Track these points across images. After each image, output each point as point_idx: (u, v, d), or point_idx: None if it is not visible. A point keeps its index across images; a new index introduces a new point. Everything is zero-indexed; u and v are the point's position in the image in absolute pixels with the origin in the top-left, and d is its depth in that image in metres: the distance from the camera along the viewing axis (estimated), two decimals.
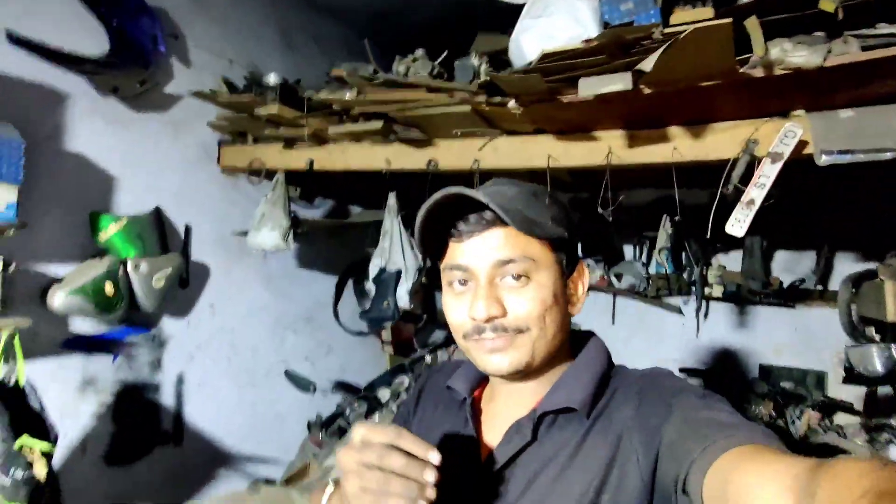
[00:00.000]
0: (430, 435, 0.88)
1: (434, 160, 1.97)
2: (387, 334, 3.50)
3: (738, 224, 1.47)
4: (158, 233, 2.22)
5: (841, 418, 2.66)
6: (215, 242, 2.54)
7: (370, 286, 2.93)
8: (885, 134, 1.31)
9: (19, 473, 1.49)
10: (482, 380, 0.89)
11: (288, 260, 2.94)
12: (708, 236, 1.48)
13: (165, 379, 2.35)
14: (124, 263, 2.06)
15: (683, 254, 3.32)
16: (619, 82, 1.22)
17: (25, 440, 1.47)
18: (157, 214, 2.24)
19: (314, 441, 2.91)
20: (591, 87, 1.25)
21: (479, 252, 0.75)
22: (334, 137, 2.11)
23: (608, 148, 1.67)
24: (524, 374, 0.78)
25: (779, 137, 1.37)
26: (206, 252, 2.50)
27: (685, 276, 3.09)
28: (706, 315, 3.43)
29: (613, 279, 3.57)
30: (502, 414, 0.81)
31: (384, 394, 2.76)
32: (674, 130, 1.58)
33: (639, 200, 3.22)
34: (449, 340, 2.98)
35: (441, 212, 0.76)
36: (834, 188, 2.60)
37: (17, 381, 1.64)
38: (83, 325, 2.05)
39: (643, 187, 3.15)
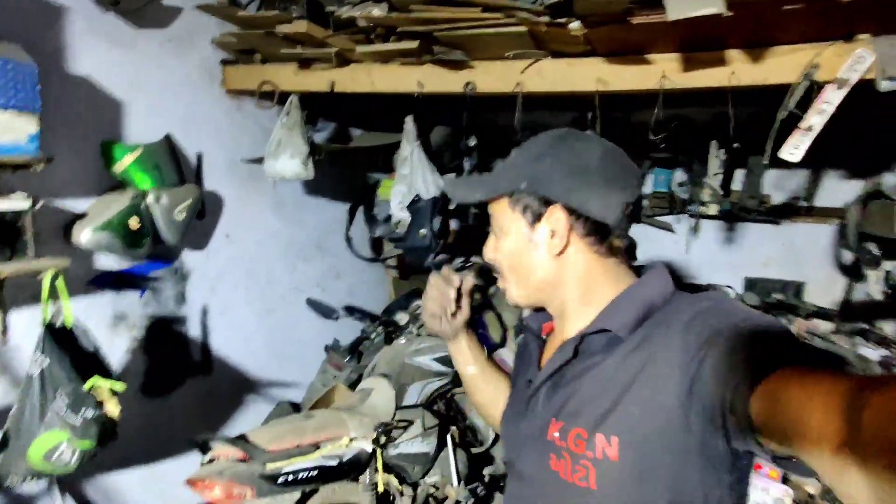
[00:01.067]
0: (519, 367, 1.04)
1: (472, 83, 1.91)
2: (392, 259, 3.52)
3: (794, 150, 1.51)
4: (174, 162, 2.09)
5: (820, 325, 2.91)
6: (226, 170, 2.43)
7: (382, 212, 2.91)
8: None
9: (90, 413, 1.49)
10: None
11: (297, 187, 2.85)
12: (766, 161, 1.52)
13: (191, 311, 2.32)
14: (144, 196, 1.95)
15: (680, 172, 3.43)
16: (711, 5, 1.19)
17: (96, 381, 1.45)
18: (170, 142, 2.10)
19: (333, 364, 2.98)
20: (681, 9, 1.21)
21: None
22: (361, 58, 1.99)
23: (661, 71, 1.66)
24: (540, 306, 0.93)
25: (849, 63, 1.39)
26: (218, 180, 2.40)
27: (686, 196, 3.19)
28: (697, 232, 3.57)
29: None
30: (559, 338, 0.90)
31: (402, 317, 2.82)
32: (732, 53, 1.57)
33: (644, 119, 3.25)
34: (465, 265, 3.02)
35: None
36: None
37: (64, 323, 1.60)
38: (108, 262, 1.97)
39: (649, 107, 3.18)
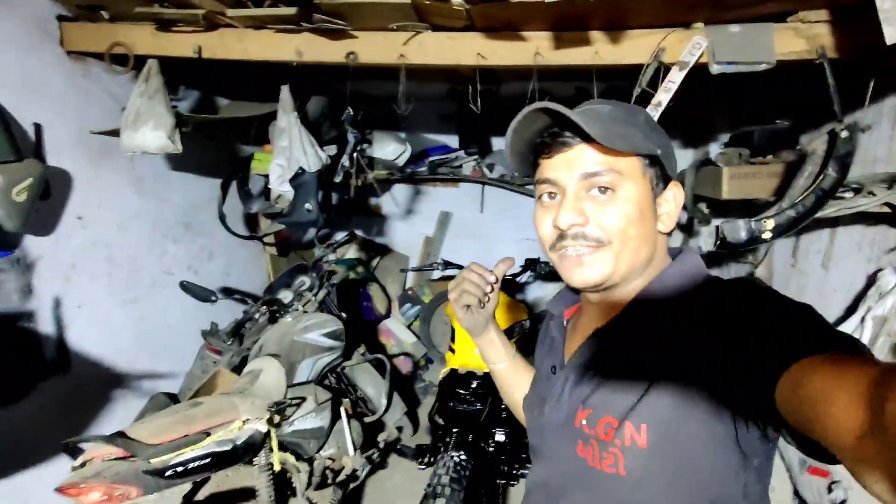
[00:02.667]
0: (541, 352, 1.00)
1: (354, 53, 1.88)
2: (270, 236, 3.38)
3: None
4: (6, 135, 1.81)
5: None
6: (73, 144, 2.15)
7: (256, 186, 2.77)
8: (762, 48, 1.61)
9: None
10: (577, 300, 0.95)
11: (158, 161, 2.61)
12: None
13: (40, 305, 2.05)
14: None
15: None
16: None
17: None
18: (0, 111, 1.81)
19: (212, 349, 2.82)
20: None
21: (567, 166, 0.76)
22: (232, 22, 1.86)
23: (536, 48, 1.77)
24: (608, 286, 0.80)
25: (688, 48, 1.60)
26: (64, 156, 2.11)
27: None
28: None
29: (485, 170, 3.82)
30: (587, 326, 0.86)
31: (286, 295, 2.73)
32: (595, 34, 1.73)
33: (511, 93, 3.42)
34: (348, 239, 2.99)
35: (532, 129, 0.79)
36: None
37: None
38: None
39: (517, 80, 3.35)
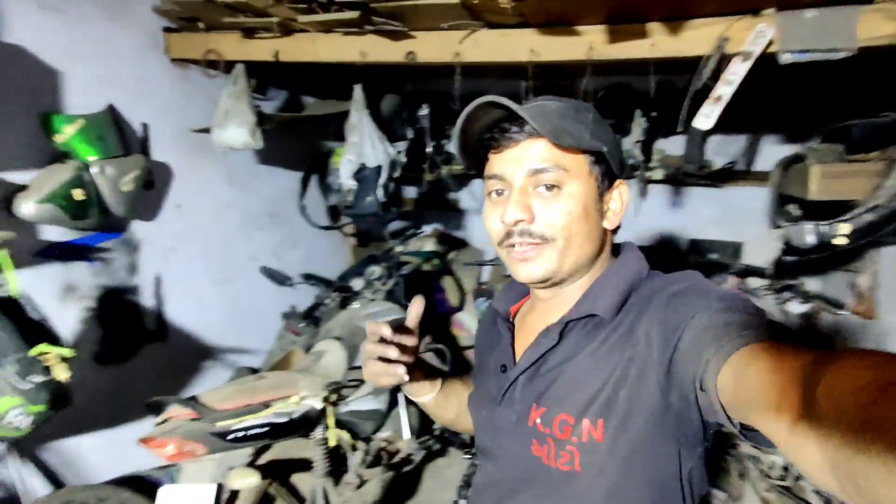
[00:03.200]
0: (485, 348, 0.99)
1: (413, 52, 1.95)
2: (350, 227, 3.58)
3: (705, 118, 1.62)
4: (117, 133, 2.09)
5: (752, 282, 3.11)
6: (174, 140, 2.43)
7: (336, 181, 2.94)
8: (841, 35, 1.45)
9: (38, 378, 1.54)
10: (523, 295, 0.95)
11: (248, 156, 2.86)
12: (680, 129, 1.62)
13: (143, 281, 2.35)
14: (88, 167, 1.96)
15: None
16: None
17: (43, 347, 1.50)
18: (113, 113, 2.10)
19: (291, 330, 3.06)
20: None
21: (515, 162, 0.77)
22: (304, 27, 2.00)
23: (589, 43, 1.73)
24: (554, 283, 0.82)
25: (751, 37, 1.48)
26: (166, 151, 2.40)
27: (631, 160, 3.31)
28: (645, 196, 3.70)
29: None
30: (536, 323, 0.86)
31: (357, 283, 2.89)
32: (652, 26, 1.66)
33: (589, 90, 3.33)
34: (414, 233, 3.09)
35: (481, 125, 0.79)
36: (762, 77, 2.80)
37: (10, 293, 1.63)
38: (55, 233, 1.98)
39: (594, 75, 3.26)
